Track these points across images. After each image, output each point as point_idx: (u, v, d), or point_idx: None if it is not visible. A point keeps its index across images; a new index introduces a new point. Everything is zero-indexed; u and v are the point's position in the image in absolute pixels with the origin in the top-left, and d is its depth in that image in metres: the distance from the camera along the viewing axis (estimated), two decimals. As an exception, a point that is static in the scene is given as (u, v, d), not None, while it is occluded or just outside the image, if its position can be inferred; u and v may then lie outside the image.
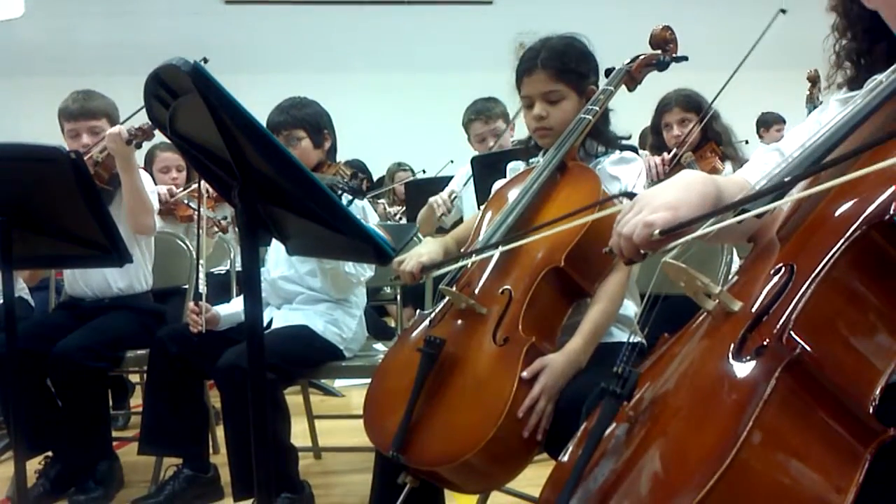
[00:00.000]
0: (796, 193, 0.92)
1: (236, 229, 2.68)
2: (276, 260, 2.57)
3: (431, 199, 3.28)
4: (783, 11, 3.22)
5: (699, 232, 0.98)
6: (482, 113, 3.51)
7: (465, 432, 1.51)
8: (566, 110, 1.83)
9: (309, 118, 2.52)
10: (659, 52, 1.93)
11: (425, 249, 1.83)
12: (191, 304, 2.36)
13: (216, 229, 3.58)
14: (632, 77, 1.89)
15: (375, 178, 6.54)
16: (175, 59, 1.02)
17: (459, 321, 1.67)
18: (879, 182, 0.88)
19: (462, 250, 1.86)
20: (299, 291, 2.51)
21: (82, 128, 2.68)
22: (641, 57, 1.91)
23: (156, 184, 3.17)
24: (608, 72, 1.89)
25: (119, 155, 2.54)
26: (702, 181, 1.08)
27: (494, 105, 3.52)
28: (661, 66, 1.92)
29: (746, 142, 3.38)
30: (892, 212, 0.85)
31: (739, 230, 1.05)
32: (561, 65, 1.82)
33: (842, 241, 0.88)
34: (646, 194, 1.06)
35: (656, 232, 0.99)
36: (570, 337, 1.64)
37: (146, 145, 2.70)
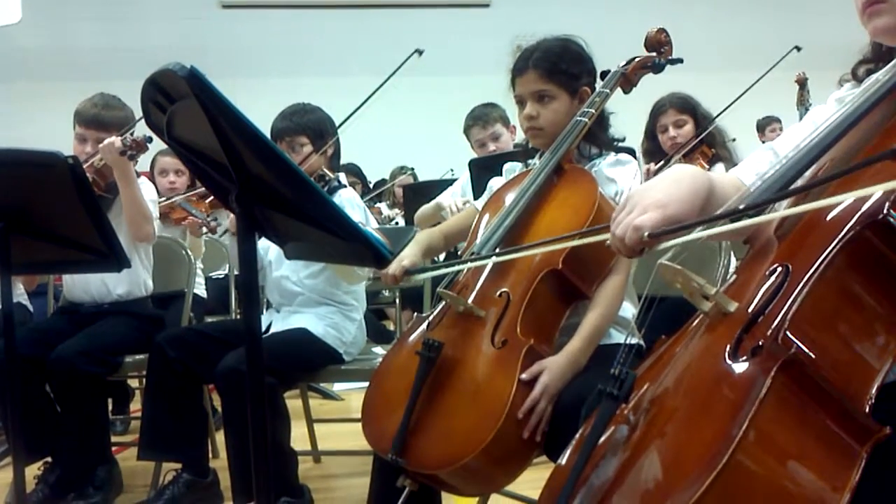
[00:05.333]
0: (782, 210, 0.92)
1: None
2: (278, 261, 2.57)
3: (444, 201, 3.23)
4: (798, 49, 3.25)
5: (691, 236, 0.97)
6: (479, 119, 3.54)
7: (465, 435, 1.51)
8: (557, 110, 1.84)
9: (312, 124, 2.52)
10: (654, 54, 1.94)
11: (408, 252, 1.83)
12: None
13: (205, 230, 3.64)
14: (627, 79, 1.90)
15: (374, 181, 6.56)
16: (172, 63, 1.01)
17: (457, 324, 1.67)
18: (873, 182, 0.88)
19: (460, 253, 1.86)
20: (299, 292, 2.52)
21: (91, 136, 2.66)
22: (637, 59, 1.92)
23: (156, 188, 3.16)
24: (603, 74, 1.90)
25: (115, 166, 2.53)
26: (692, 175, 1.08)
27: (492, 110, 3.55)
28: (657, 68, 1.93)
29: (734, 139, 3.41)
30: (885, 211, 0.85)
31: (734, 230, 1.05)
32: (551, 65, 1.83)
33: (836, 240, 0.88)
34: (636, 192, 1.06)
35: (645, 235, 0.99)
36: (569, 338, 1.64)
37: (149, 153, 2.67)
